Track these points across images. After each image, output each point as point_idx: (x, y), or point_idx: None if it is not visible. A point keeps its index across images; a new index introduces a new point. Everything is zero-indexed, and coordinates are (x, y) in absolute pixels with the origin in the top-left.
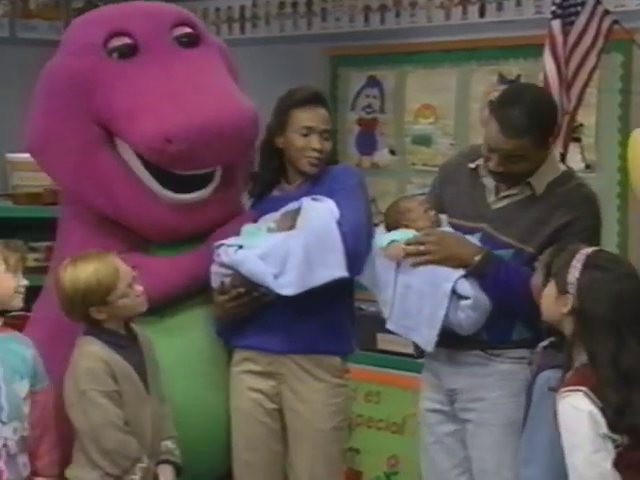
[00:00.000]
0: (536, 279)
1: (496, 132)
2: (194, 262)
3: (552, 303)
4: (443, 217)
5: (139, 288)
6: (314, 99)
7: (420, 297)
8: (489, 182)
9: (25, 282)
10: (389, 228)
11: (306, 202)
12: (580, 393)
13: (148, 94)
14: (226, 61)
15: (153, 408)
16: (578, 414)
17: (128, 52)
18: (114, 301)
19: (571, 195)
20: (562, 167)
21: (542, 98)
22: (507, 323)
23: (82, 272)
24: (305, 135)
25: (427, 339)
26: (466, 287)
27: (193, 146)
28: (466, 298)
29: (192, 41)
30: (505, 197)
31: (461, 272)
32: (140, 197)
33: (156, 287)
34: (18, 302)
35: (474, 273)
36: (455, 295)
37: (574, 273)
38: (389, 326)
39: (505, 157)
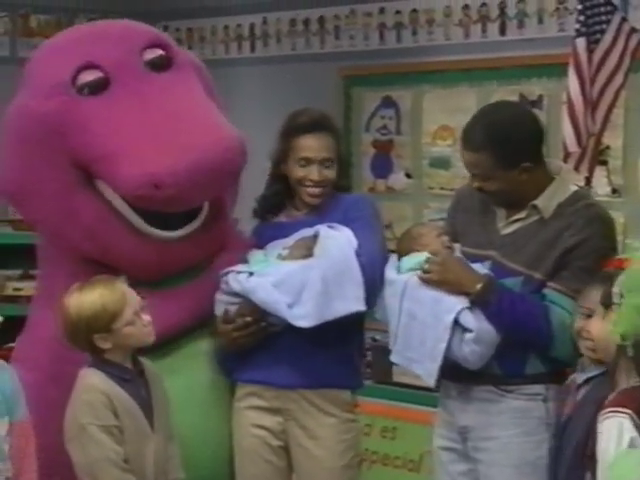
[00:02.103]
0: (576, 324)
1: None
2: (192, 296)
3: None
4: (456, 246)
5: (147, 317)
6: (314, 125)
7: (423, 328)
8: (498, 208)
9: None
10: (401, 255)
11: (323, 230)
12: (625, 416)
13: (126, 133)
14: (202, 79)
15: (158, 446)
16: (619, 439)
17: (99, 86)
18: (119, 329)
19: (579, 215)
20: (573, 187)
21: (512, 117)
22: (519, 355)
23: (87, 297)
24: (304, 166)
25: (429, 372)
26: (469, 319)
27: (182, 189)
28: (470, 331)
29: (165, 63)
30: (514, 222)
31: (464, 303)
32: (127, 238)
33: (156, 322)
34: None
35: (476, 302)
36: (459, 328)
37: None
38: (393, 358)
39: (471, 174)
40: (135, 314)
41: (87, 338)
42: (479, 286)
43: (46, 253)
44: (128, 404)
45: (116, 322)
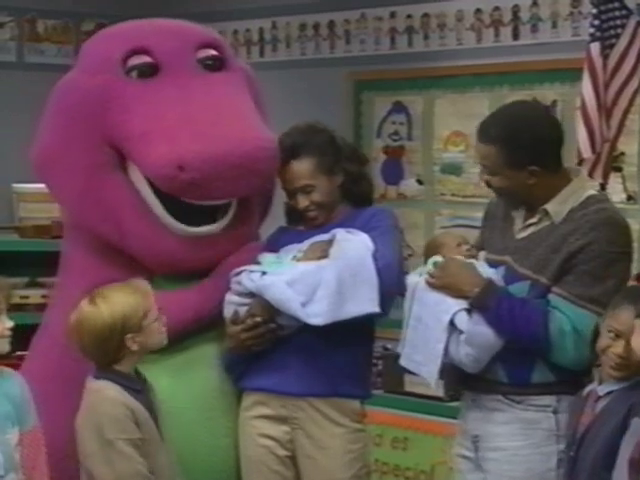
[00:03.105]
0: (602, 342)
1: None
2: (201, 297)
3: None
4: (481, 254)
5: (164, 320)
6: (287, 154)
7: (426, 330)
8: (517, 212)
9: (10, 324)
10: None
11: (340, 234)
12: None
13: (164, 117)
14: (251, 88)
15: (168, 455)
16: None
17: (148, 72)
18: (149, 325)
19: (587, 219)
20: (589, 192)
21: (529, 118)
22: (525, 363)
23: (116, 298)
24: (290, 196)
25: (431, 374)
26: (462, 320)
27: (206, 176)
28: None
29: (217, 65)
30: (528, 226)
31: (462, 305)
32: (148, 226)
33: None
34: (4, 346)
35: (475, 306)
36: (457, 330)
37: None
38: (401, 362)
39: (481, 165)
40: (158, 310)
41: (120, 339)
42: (477, 290)
43: (66, 240)
44: (145, 415)
45: (147, 318)
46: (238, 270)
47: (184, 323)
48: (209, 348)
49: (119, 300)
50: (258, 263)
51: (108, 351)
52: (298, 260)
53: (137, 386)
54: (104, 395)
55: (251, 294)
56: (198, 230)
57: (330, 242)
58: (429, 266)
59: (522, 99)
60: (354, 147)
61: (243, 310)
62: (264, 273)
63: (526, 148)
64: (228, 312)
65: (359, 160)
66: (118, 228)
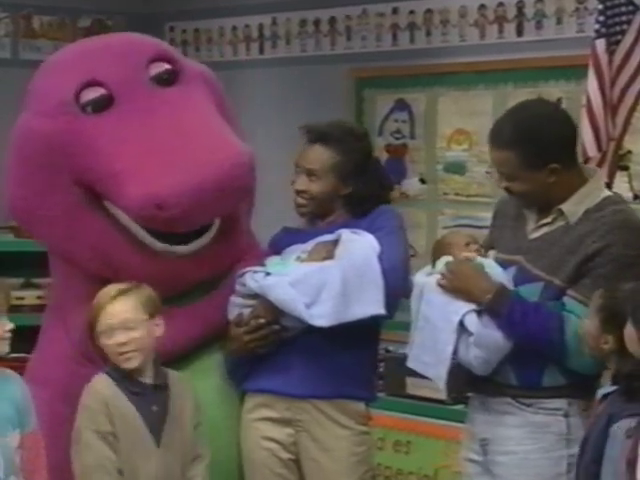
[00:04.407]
0: (589, 325)
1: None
2: (204, 313)
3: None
4: (491, 253)
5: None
6: (314, 137)
7: (434, 331)
8: (529, 212)
9: (10, 325)
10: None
11: (345, 234)
12: None
13: (131, 152)
14: (212, 92)
15: (164, 462)
16: None
17: (103, 104)
18: (158, 325)
19: (604, 222)
20: (605, 193)
21: (542, 116)
22: (536, 366)
23: (103, 296)
24: (296, 173)
25: (439, 376)
26: (472, 322)
27: (185, 209)
28: (472, 334)
29: (171, 78)
30: (541, 226)
31: (472, 306)
32: (135, 254)
33: (171, 339)
34: (4, 348)
35: (487, 312)
36: (467, 331)
37: None
38: (409, 363)
39: (498, 172)
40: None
41: (91, 335)
42: (489, 297)
43: (58, 266)
44: (129, 415)
45: (157, 318)
46: (242, 271)
47: (190, 339)
48: (212, 359)
49: (103, 299)
50: (264, 266)
51: (92, 342)
52: (302, 261)
53: (135, 388)
54: (90, 385)
55: (255, 295)
56: (186, 248)
57: (335, 242)
58: (440, 266)
59: (529, 98)
60: (384, 174)
61: (247, 312)
62: (268, 274)
63: (543, 146)
64: (232, 314)
65: (382, 186)
66: (107, 263)
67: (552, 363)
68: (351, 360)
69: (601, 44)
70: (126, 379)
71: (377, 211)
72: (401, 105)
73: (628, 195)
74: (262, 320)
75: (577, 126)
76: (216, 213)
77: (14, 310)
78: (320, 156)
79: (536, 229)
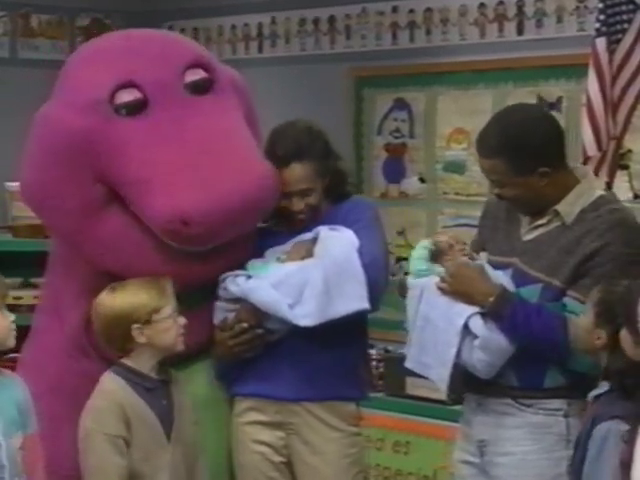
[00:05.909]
0: (584, 320)
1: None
2: (208, 317)
3: (633, 349)
4: (482, 254)
5: (182, 320)
6: (289, 158)
7: (436, 332)
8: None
9: (12, 317)
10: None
11: (323, 231)
12: None
13: (161, 162)
14: (242, 100)
15: (174, 457)
16: None
17: (137, 108)
18: (159, 322)
19: (601, 221)
20: (598, 192)
21: (526, 120)
22: (537, 367)
23: (131, 287)
24: (285, 197)
25: (441, 378)
26: (478, 325)
27: (210, 228)
28: (478, 337)
29: (206, 86)
30: (536, 228)
31: (476, 308)
32: (151, 251)
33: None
34: (12, 341)
35: (489, 315)
36: (471, 334)
37: None
38: (407, 364)
39: (489, 180)
40: (174, 312)
41: (126, 328)
42: (491, 300)
43: (58, 262)
44: (145, 414)
45: (157, 314)
46: (224, 276)
47: (201, 341)
48: (202, 361)
49: (132, 290)
50: (245, 269)
51: (114, 339)
52: (282, 261)
53: (147, 384)
54: (101, 386)
55: (238, 299)
56: (205, 247)
57: (314, 241)
58: (438, 269)
59: (512, 104)
60: (328, 141)
61: (231, 316)
62: (249, 277)
63: (531, 151)
64: (217, 318)
65: (336, 157)
66: (120, 258)
67: (554, 364)
68: (339, 360)
69: (602, 43)
70: (137, 375)
71: (351, 202)
72: (400, 104)
73: (628, 195)
74: (245, 324)
75: (563, 127)
76: (237, 232)
77: (12, 309)
78: (304, 173)
79: (530, 230)
